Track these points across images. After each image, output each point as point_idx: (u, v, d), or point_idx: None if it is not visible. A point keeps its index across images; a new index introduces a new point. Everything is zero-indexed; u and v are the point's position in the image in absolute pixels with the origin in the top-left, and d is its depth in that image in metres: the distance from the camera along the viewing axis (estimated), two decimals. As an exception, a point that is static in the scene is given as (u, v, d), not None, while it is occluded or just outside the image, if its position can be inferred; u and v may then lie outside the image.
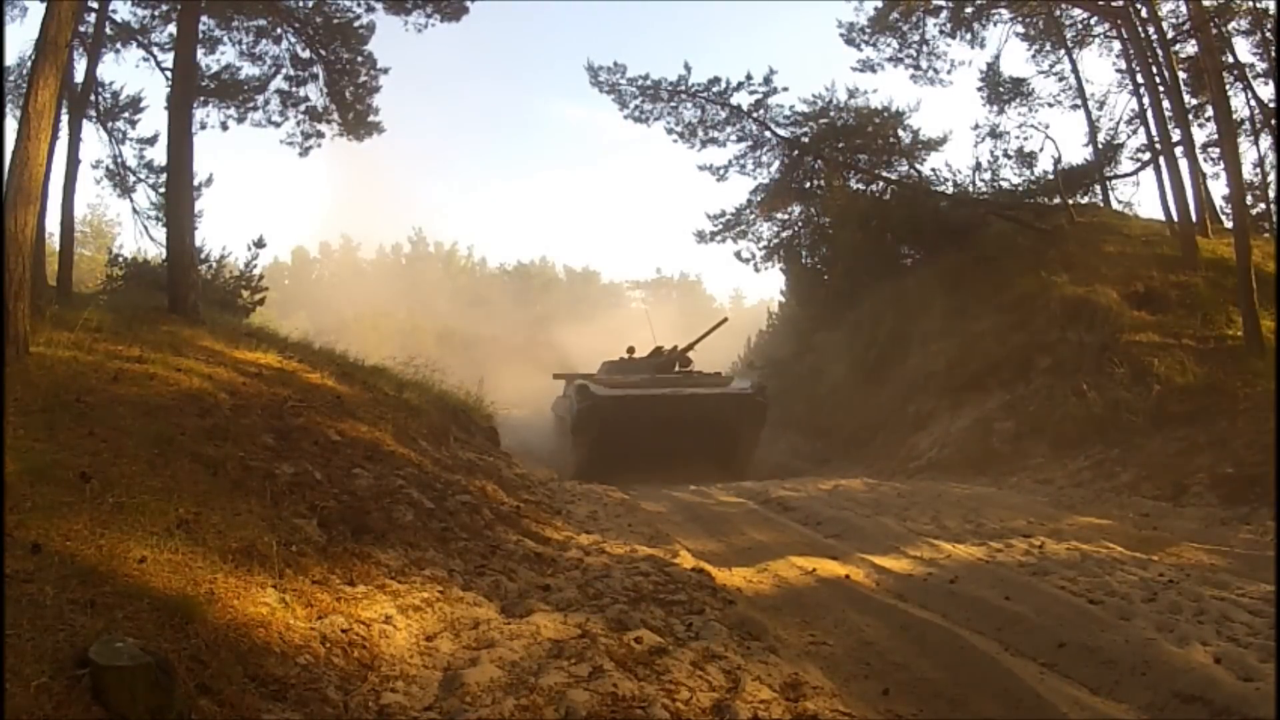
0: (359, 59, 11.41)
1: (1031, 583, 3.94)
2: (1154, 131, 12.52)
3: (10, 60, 9.30)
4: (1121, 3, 11.98)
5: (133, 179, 11.53)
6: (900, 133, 15.78)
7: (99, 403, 3.80)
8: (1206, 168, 13.35)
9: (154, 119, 29.54)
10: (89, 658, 1.90)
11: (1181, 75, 12.22)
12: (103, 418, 3.62)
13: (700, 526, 6.18)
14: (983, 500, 6.68)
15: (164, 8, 10.73)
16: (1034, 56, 15.11)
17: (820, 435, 12.34)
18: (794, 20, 68.20)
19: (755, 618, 3.62)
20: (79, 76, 9.89)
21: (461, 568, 3.82)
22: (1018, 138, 14.97)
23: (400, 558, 3.60)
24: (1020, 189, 14.41)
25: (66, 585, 2.22)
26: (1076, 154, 29.54)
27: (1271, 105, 12.53)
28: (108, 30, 10.49)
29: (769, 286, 79.61)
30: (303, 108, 11.73)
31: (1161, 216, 12.62)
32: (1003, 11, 14.64)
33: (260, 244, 12.09)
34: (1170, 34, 11.96)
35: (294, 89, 11.65)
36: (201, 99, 10.89)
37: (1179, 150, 11.48)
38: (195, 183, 9.13)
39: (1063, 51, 14.64)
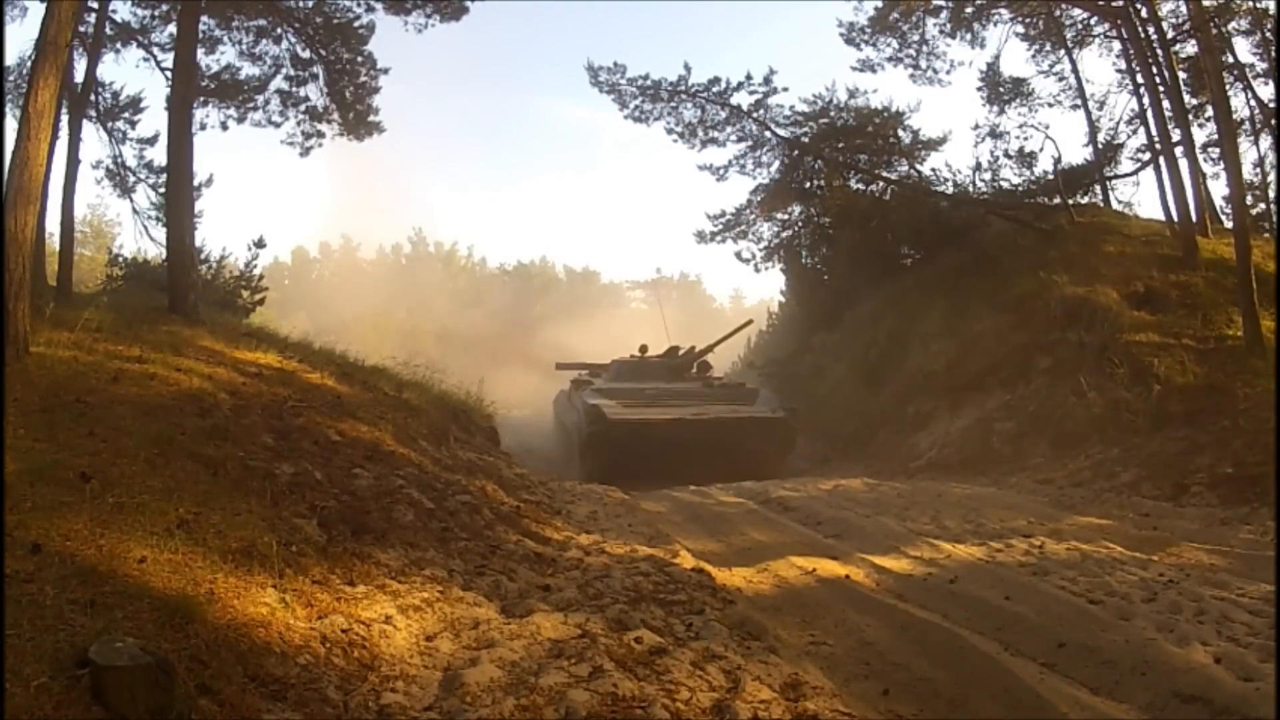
0: (359, 59, 11.41)
1: (1031, 583, 3.93)
2: (1154, 131, 12.53)
3: (10, 60, 9.31)
4: (1121, 3, 11.98)
5: (133, 179, 11.54)
6: (900, 133, 15.79)
7: (99, 403, 3.81)
8: (1206, 168, 13.37)
9: (154, 119, 29.67)
10: (89, 658, 1.90)
11: (1181, 75, 12.22)
12: (103, 418, 3.62)
13: (700, 526, 6.18)
14: (983, 500, 6.68)
15: (164, 8, 10.73)
16: (1034, 56, 15.15)
17: (820, 435, 12.34)
18: (794, 20, 68.43)
19: (755, 618, 3.62)
20: (79, 76, 9.88)
21: (461, 568, 3.82)
22: (1018, 138, 15.06)
23: (400, 558, 3.60)
24: (1020, 189, 14.42)
25: (66, 585, 2.22)
26: (1076, 154, 29.64)
27: (1271, 105, 12.56)
28: (108, 30, 10.49)
29: (769, 286, 79.65)
30: (303, 108, 11.74)
31: (1161, 216, 12.63)
32: (1003, 11, 14.66)
33: (260, 244, 12.10)
34: (1170, 34, 11.96)
35: (294, 89, 11.66)
36: (201, 99, 10.88)
37: (1179, 150, 11.48)
38: (195, 183, 9.14)
39: (1063, 51, 14.65)
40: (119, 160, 11.45)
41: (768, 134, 15.90)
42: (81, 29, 9.38)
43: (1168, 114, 11.71)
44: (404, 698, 2.46)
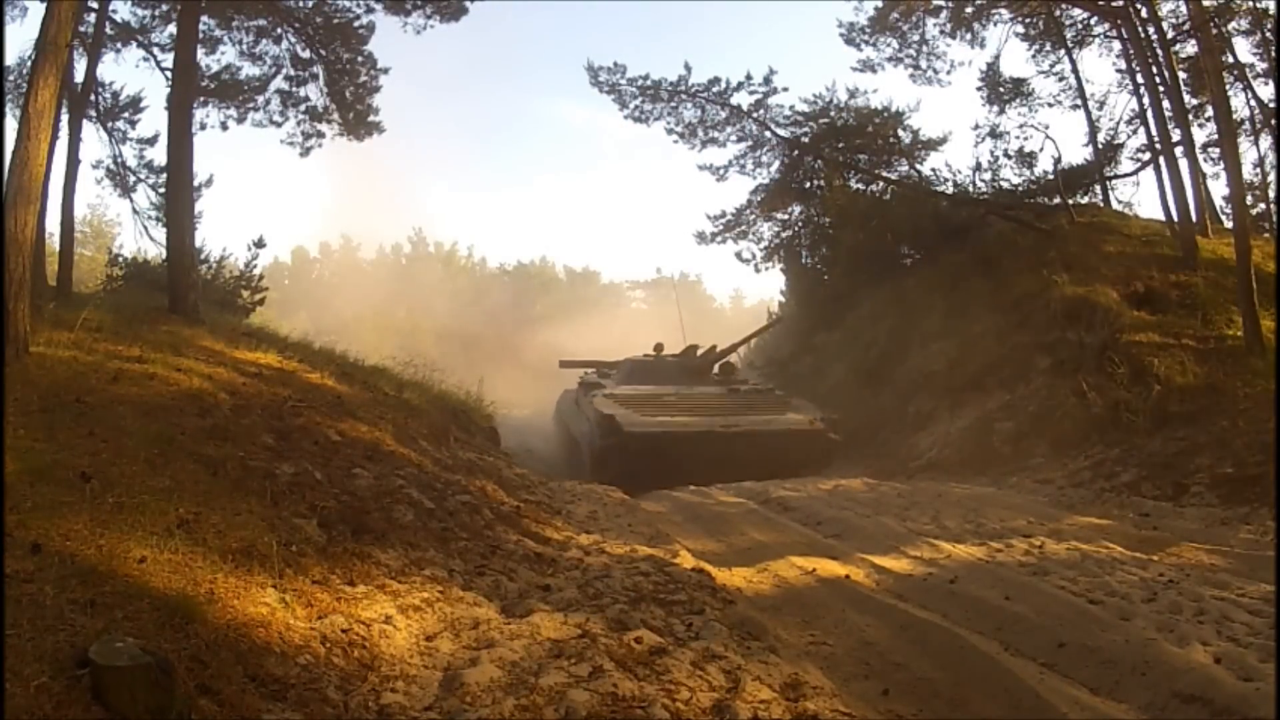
0: (359, 59, 11.43)
1: (1031, 583, 3.93)
2: (1154, 131, 12.52)
3: (10, 60, 9.32)
4: (1121, 3, 11.97)
5: (133, 179, 11.55)
6: (900, 133, 15.80)
7: (99, 403, 3.81)
8: (1206, 168, 13.38)
9: (154, 119, 29.69)
10: (89, 658, 1.90)
11: (1181, 75, 12.22)
12: (103, 418, 3.62)
13: (700, 526, 6.18)
14: (983, 500, 6.68)
15: (164, 8, 10.74)
16: (1034, 56, 15.13)
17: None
18: (794, 20, 68.28)
19: (755, 618, 3.62)
20: (79, 76, 9.88)
21: (461, 568, 3.82)
22: (1018, 138, 15.03)
23: (400, 558, 3.60)
24: (1020, 189, 14.42)
25: (66, 585, 2.22)
26: (1076, 154, 29.59)
27: (1271, 105, 12.57)
28: (108, 30, 10.49)
29: (769, 286, 79.68)
30: (303, 108, 11.75)
31: (1161, 216, 12.62)
32: (1003, 11, 14.66)
33: (260, 244, 12.12)
34: (1170, 34, 11.96)
35: (294, 89, 11.67)
36: (201, 99, 10.89)
37: (1179, 150, 11.47)
38: (195, 183, 9.15)
39: (1063, 51, 14.64)
40: (119, 160, 11.47)
41: (768, 134, 15.92)
42: (81, 29, 9.38)
43: (1168, 114, 11.71)
44: (404, 698, 2.46)
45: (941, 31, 14.89)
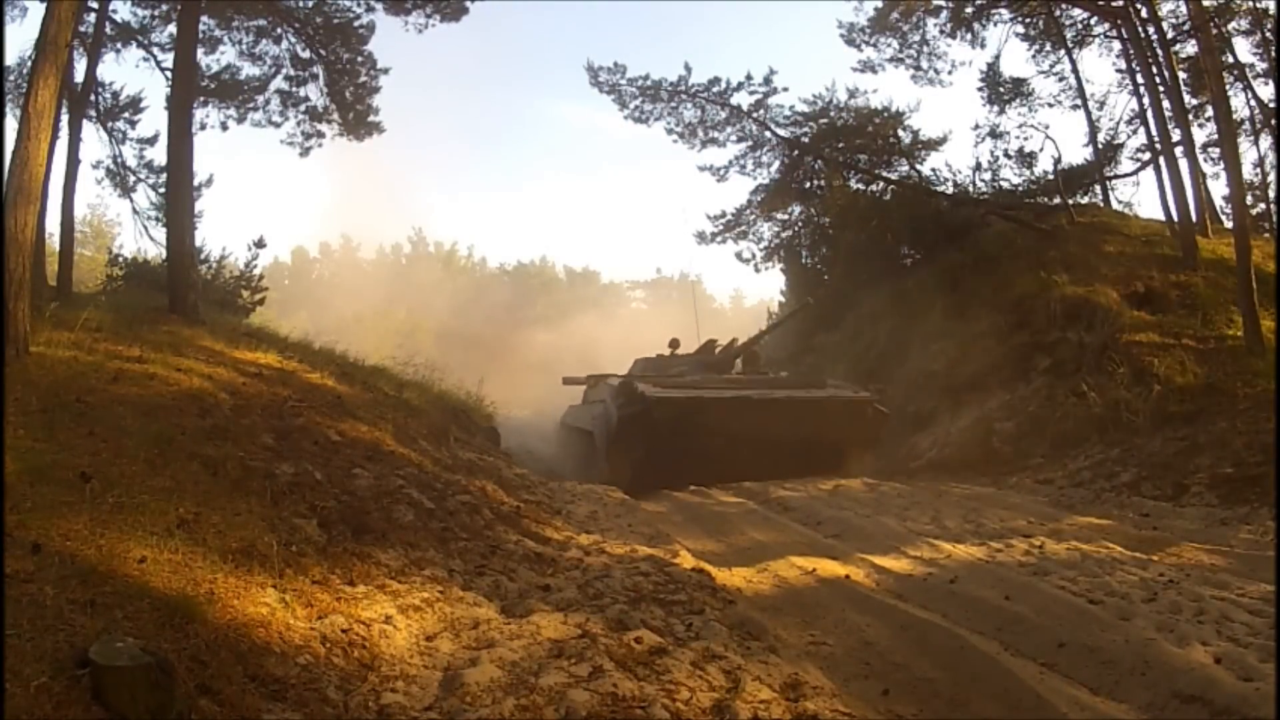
0: (359, 59, 11.43)
1: (1031, 583, 3.93)
2: (1154, 131, 12.52)
3: (10, 60, 9.32)
4: (1121, 3, 11.97)
5: (133, 179, 11.54)
6: (900, 133, 15.79)
7: (99, 403, 3.81)
8: (1206, 168, 13.38)
9: (154, 119, 29.72)
10: (89, 658, 1.90)
11: (1181, 75, 12.22)
12: (103, 418, 3.62)
13: (700, 526, 6.18)
14: (983, 500, 6.69)
15: (164, 8, 10.74)
16: (1034, 56, 15.12)
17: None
18: (794, 21, 68.41)
19: (755, 618, 3.62)
20: (79, 76, 9.88)
21: (461, 568, 3.82)
22: (1018, 138, 15.06)
23: (400, 558, 3.60)
24: (1020, 189, 14.43)
25: (66, 585, 2.22)
26: (1076, 154, 29.64)
27: (1271, 105, 12.56)
28: (108, 30, 10.49)
29: (769, 286, 79.65)
30: (303, 108, 11.76)
31: (1161, 216, 12.62)
32: (1003, 11, 14.65)
33: (260, 244, 12.11)
34: (1170, 34, 11.96)
35: (294, 89, 11.69)
36: (201, 99, 10.90)
37: (1179, 150, 11.47)
38: (195, 183, 9.14)
39: (1063, 51, 14.64)
40: (119, 160, 11.46)
41: (768, 134, 15.92)
42: (81, 29, 9.38)
43: (1168, 114, 11.71)
44: (404, 698, 2.46)
45: (941, 32, 14.91)
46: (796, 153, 16.16)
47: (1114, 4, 12.30)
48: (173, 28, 10.15)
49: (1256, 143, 13.61)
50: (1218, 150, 12.70)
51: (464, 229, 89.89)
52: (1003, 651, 3.17)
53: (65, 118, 9.25)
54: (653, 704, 2.49)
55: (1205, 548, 4.74)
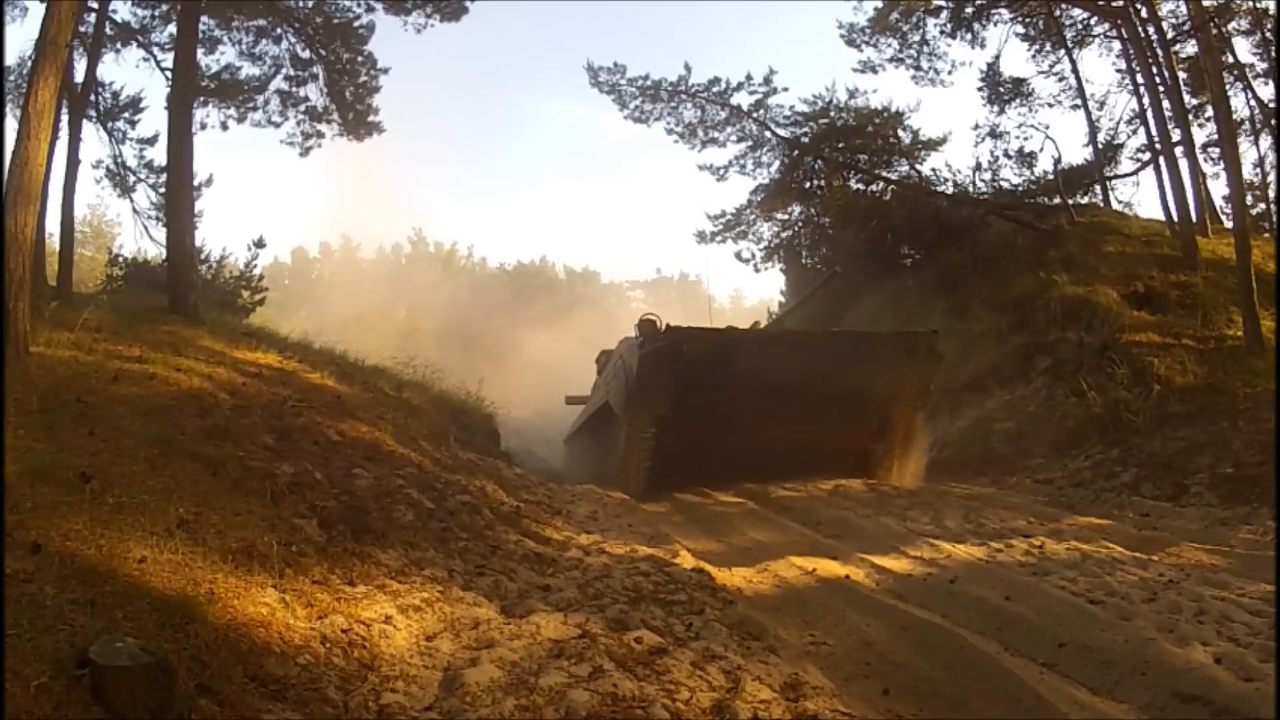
0: (359, 59, 11.45)
1: (1031, 583, 3.93)
2: (1154, 131, 12.50)
3: (10, 60, 9.33)
4: (1121, 3, 11.97)
5: (133, 179, 11.55)
6: (900, 133, 15.76)
7: (99, 403, 3.81)
8: (1206, 168, 13.34)
9: (154, 119, 29.65)
10: (89, 658, 1.89)
11: (1181, 75, 12.21)
12: (103, 418, 3.62)
13: (700, 526, 6.18)
14: (983, 500, 6.69)
15: (164, 8, 10.74)
16: (1034, 56, 15.09)
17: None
18: (794, 21, 68.37)
19: (755, 618, 3.62)
20: (79, 76, 9.89)
21: (461, 568, 3.82)
22: (1018, 138, 14.95)
23: (400, 558, 3.60)
24: (1020, 189, 14.40)
25: (66, 585, 2.22)
26: (1076, 154, 29.55)
27: (1271, 105, 12.55)
28: (108, 30, 10.50)
29: (769, 286, 79.70)
30: (303, 108, 11.78)
31: (1161, 216, 12.60)
32: (1003, 11, 14.64)
33: (260, 244, 12.14)
34: (1170, 34, 11.95)
35: (294, 89, 11.70)
36: (201, 99, 10.90)
37: (1179, 150, 11.46)
38: (195, 183, 9.16)
39: (1063, 51, 14.62)
40: (119, 160, 11.46)
41: (768, 134, 15.90)
42: (81, 29, 9.38)
43: (1168, 114, 11.70)
44: (404, 698, 2.46)
45: (941, 32, 14.88)
46: (796, 153, 16.14)
47: (1114, 4, 12.29)
48: (173, 28, 10.17)
49: (1256, 143, 13.61)
50: (1218, 150, 12.68)
51: (464, 229, 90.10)
52: (1003, 651, 3.17)
53: (65, 118, 9.25)
54: (653, 704, 2.49)
55: (1205, 548, 4.74)
